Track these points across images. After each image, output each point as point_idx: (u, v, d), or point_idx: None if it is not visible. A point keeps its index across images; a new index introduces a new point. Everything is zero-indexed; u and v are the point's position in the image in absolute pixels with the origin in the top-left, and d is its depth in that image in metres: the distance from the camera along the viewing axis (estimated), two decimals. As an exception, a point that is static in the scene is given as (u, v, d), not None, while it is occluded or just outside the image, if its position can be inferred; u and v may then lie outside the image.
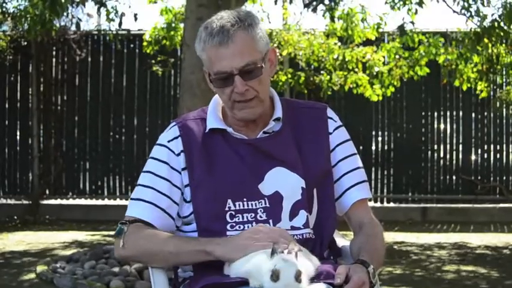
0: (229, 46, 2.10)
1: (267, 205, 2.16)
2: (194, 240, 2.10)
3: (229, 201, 2.15)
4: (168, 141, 2.25)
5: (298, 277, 1.90)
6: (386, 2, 7.69)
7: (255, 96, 2.16)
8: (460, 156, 9.93)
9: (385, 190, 9.97)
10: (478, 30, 7.04)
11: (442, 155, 9.94)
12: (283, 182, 2.18)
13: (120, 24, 7.55)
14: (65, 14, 7.00)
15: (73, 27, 9.21)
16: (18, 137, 10.03)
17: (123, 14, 7.80)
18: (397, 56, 8.19)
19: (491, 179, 9.88)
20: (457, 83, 7.83)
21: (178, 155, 2.22)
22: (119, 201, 9.90)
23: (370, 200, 2.37)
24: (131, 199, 2.25)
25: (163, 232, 2.16)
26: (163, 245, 2.11)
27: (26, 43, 9.83)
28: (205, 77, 2.26)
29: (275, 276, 1.89)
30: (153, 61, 9.20)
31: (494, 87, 9.29)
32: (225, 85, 2.15)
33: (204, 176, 2.18)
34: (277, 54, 2.25)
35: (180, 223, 2.24)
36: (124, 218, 2.22)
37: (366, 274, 2.00)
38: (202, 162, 2.20)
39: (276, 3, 7.60)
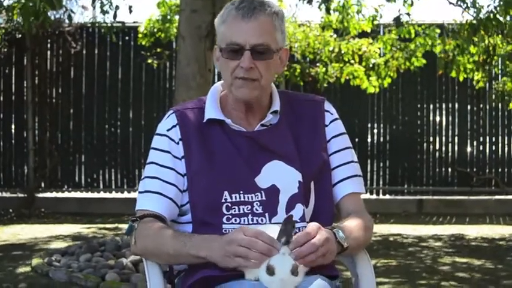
0: (251, 21, 2.13)
1: (263, 198, 2.15)
2: (190, 242, 2.07)
3: (226, 193, 2.14)
4: (168, 130, 2.24)
5: (294, 271, 1.90)
6: (382, -6, 7.67)
7: (257, 79, 2.16)
8: (456, 148, 9.94)
9: (380, 182, 9.98)
10: (474, 21, 7.03)
11: (437, 147, 9.95)
12: (280, 175, 2.18)
13: (114, 16, 7.52)
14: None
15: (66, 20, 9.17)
16: (13, 130, 10.01)
17: (117, 7, 7.76)
18: (393, 48, 8.17)
19: (487, 171, 9.89)
20: (453, 74, 7.82)
21: (177, 143, 2.22)
22: (114, 194, 9.90)
23: (364, 193, 2.33)
24: (139, 192, 2.24)
25: (167, 231, 2.14)
26: (165, 247, 2.11)
27: (20, 36, 9.79)
28: (213, 56, 2.26)
29: (270, 271, 1.89)
30: (148, 53, 9.18)
31: (491, 78, 9.28)
32: (232, 57, 2.15)
33: (201, 166, 2.18)
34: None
35: (178, 212, 2.23)
36: (135, 210, 2.22)
37: (328, 231, 2.02)
38: (200, 152, 2.19)
39: (271, -4, 7.57)
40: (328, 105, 2.33)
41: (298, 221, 2.15)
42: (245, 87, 2.16)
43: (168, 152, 2.22)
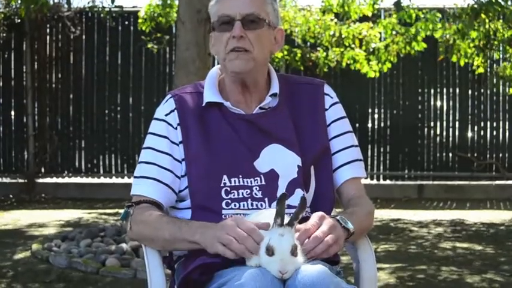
0: None
1: (263, 183, 2.14)
2: (185, 227, 2.06)
3: (225, 177, 2.13)
4: (166, 115, 2.23)
5: (294, 251, 1.89)
6: (382, -22, 7.62)
7: (250, 51, 2.15)
8: (457, 133, 9.93)
9: (381, 167, 9.97)
10: (475, 5, 6.99)
11: (438, 132, 9.93)
12: (279, 159, 2.16)
13: (112, 1, 7.48)
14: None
15: (65, 5, 9.13)
16: (13, 116, 9.98)
17: (116, -9, 7.71)
18: (393, 32, 8.13)
19: (488, 156, 9.88)
20: (454, 59, 7.78)
21: (175, 128, 2.21)
22: (114, 180, 9.89)
23: (365, 178, 2.33)
24: (134, 177, 2.24)
25: (163, 217, 2.14)
26: (161, 232, 2.10)
27: (19, 20, 9.74)
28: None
29: (270, 251, 1.88)
30: (148, 38, 9.14)
31: (492, 62, 9.25)
32: (224, 30, 2.16)
33: (200, 150, 2.16)
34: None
35: (175, 198, 2.21)
36: (131, 195, 2.22)
37: (331, 219, 2.02)
38: (198, 136, 2.18)
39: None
40: (327, 89, 2.31)
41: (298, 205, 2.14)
42: (238, 59, 2.16)
43: (166, 137, 2.21)
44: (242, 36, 2.14)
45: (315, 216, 2.01)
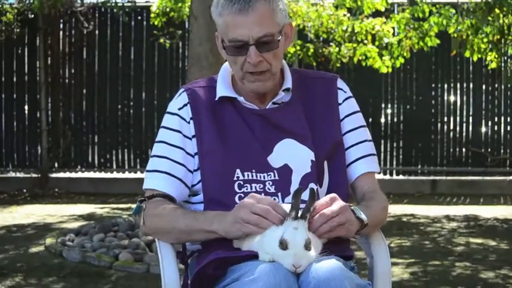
0: (249, 14, 2.05)
1: (276, 178, 2.13)
2: (202, 217, 2.06)
3: (238, 171, 2.13)
4: (179, 109, 2.23)
5: (307, 246, 1.89)
6: (396, -28, 7.58)
7: (268, 70, 2.12)
8: (470, 128, 9.88)
9: (394, 162, 9.93)
10: (489, 0, 6.94)
11: (451, 127, 9.88)
12: (292, 154, 2.15)
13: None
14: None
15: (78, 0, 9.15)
16: (26, 111, 10.02)
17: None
18: (407, 27, 8.09)
19: (502, 151, 9.82)
20: (467, 54, 7.74)
21: (188, 122, 2.21)
22: (127, 174, 9.91)
23: (378, 173, 2.31)
24: (147, 171, 2.23)
25: (178, 209, 2.14)
26: (176, 223, 2.10)
27: (33, 16, 9.77)
28: (216, 43, 2.21)
29: (284, 245, 1.88)
30: (160, 33, 9.14)
31: (505, 58, 9.19)
32: (238, 54, 2.11)
33: (213, 144, 2.16)
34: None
35: (188, 193, 2.21)
36: (143, 189, 2.22)
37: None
38: (211, 130, 2.17)
39: (284, -26, 7.49)
40: (341, 83, 2.30)
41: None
42: (258, 81, 2.14)
43: (179, 131, 2.21)
44: (260, 60, 2.10)
45: (327, 196, 2.00)
